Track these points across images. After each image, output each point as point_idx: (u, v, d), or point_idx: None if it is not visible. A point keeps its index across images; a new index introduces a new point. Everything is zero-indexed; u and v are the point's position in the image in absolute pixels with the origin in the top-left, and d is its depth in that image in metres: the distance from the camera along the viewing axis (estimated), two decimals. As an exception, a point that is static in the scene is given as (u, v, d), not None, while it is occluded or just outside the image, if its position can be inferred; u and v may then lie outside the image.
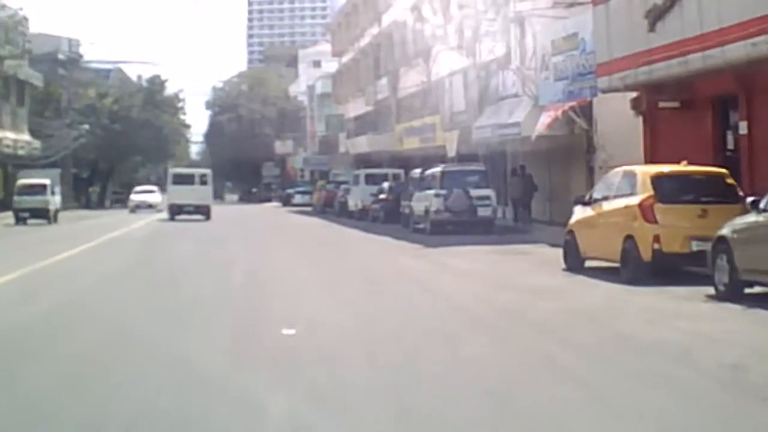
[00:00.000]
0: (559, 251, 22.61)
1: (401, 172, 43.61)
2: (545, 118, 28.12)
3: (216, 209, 49.15)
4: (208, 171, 50.52)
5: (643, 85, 23.76)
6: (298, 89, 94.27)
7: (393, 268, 18.87)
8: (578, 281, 16.39)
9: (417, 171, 36.08)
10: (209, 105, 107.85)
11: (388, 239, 28.77)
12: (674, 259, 15.68)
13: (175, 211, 45.37)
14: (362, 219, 43.10)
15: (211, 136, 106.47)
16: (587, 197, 18.08)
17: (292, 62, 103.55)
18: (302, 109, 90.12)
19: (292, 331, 10.64)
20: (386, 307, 13.13)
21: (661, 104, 23.97)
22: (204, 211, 44.83)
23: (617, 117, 29.12)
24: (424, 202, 31.49)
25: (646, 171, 16.69)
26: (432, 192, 30.87)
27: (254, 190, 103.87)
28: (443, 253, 23.01)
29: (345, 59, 67.40)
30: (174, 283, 16.86)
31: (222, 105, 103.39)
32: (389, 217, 38.65)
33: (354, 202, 45.95)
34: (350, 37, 64.74)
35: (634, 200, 16.06)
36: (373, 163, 54.47)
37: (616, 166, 30.31)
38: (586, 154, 29.90)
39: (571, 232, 18.40)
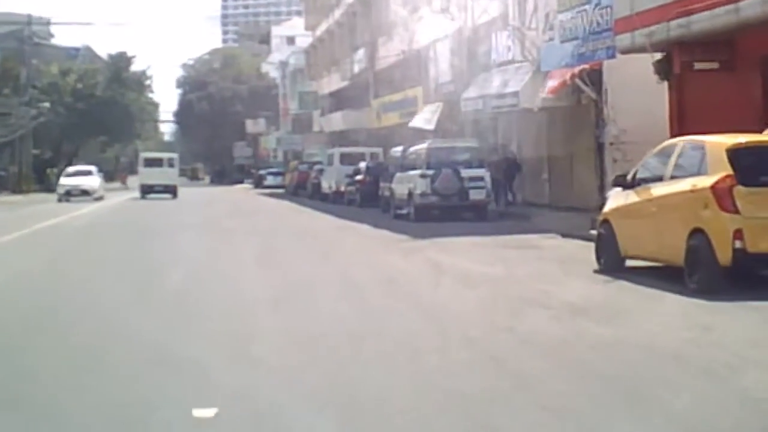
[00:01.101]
0: (577, 244, 18.33)
1: (380, 150, 39.11)
2: (552, 83, 23.63)
3: (183, 191, 51.97)
4: (175, 155, 54.51)
5: (676, 43, 19.32)
6: (271, 66, 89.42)
7: (376, 273, 14.20)
8: (627, 291, 11.92)
9: (398, 149, 31.56)
10: (180, 83, 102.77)
11: (367, 228, 24.25)
12: (764, 261, 11.30)
13: (146, 190, 49.60)
14: (337, 202, 38.74)
15: (181, 115, 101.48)
16: (629, 177, 13.59)
17: (265, 39, 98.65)
18: (275, 87, 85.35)
19: (209, 412, 6.12)
20: (374, 357, 8.20)
21: (697, 65, 19.52)
22: (171, 190, 49.10)
23: (631, 85, 24.74)
24: (407, 183, 27.01)
25: (717, 142, 12.18)
26: (416, 172, 26.39)
27: (216, 168, 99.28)
28: (435, 246, 18.52)
29: (319, 32, 62.60)
30: (68, 302, 12.30)
31: (192, 83, 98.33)
32: (367, 201, 34.28)
33: (328, 183, 41.47)
34: (325, 8, 59.98)
35: (705, 182, 11.59)
36: (350, 141, 49.94)
37: (629, 143, 26.11)
38: (595, 128, 25.48)
39: (606, 222, 13.95)
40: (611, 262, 13.63)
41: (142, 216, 32.22)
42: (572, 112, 26.43)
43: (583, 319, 9.81)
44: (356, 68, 49.48)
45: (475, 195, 25.95)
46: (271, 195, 54.37)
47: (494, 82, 28.72)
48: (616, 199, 13.87)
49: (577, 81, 24.67)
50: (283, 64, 76.33)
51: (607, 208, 14.15)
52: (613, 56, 21.68)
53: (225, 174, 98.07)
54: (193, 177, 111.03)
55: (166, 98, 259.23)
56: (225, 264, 15.66)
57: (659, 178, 12.77)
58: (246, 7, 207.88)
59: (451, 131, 32.13)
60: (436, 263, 15.28)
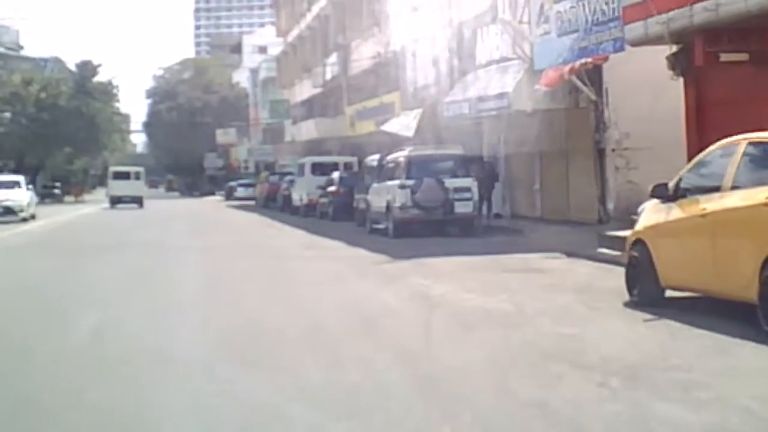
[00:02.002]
0: (588, 266, 15.35)
1: (354, 160, 36.08)
2: (548, 78, 20.67)
3: (152, 204, 54.65)
4: (141, 169, 59.01)
5: (700, 31, 16.40)
6: (242, 76, 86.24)
7: (348, 312, 10.93)
8: (685, 337, 8.88)
9: (374, 157, 28.55)
10: (149, 94, 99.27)
11: (340, 245, 21.22)
12: None
13: (115, 200, 54.37)
14: (308, 215, 35.74)
15: (150, 126, 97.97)
16: (672, 186, 10.61)
17: (237, 49, 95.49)
18: (246, 96, 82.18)
19: None
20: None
21: (724, 57, 16.58)
22: (138, 201, 53.50)
23: (634, 84, 21.97)
24: (384, 195, 23.98)
25: (794, 141, 9.25)
26: (395, 183, 23.37)
27: (188, 180, 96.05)
28: (419, 269, 15.48)
29: (290, 38, 59.46)
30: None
31: (161, 93, 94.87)
32: (340, 214, 31.34)
33: (299, 195, 38.37)
34: (296, 13, 56.89)
35: (784, 193, 8.66)
36: (324, 151, 46.90)
37: (633, 148, 23.21)
38: (595, 133, 22.60)
39: (640, 244, 10.95)
40: (647, 293, 10.64)
41: (91, 232, 29.03)
42: (569, 115, 23.51)
43: (645, 389, 6.77)
44: (329, 74, 46.41)
45: (461, 208, 22.96)
46: (240, 207, 51.44)
47: (481, 84, 25.76)
48: (654, 213, 10.88)
49: (575, 80, 21.75)
50: (254, 73, 73.21)
51: (640, 226, 11.15)
52: (621, 49, 18.76)
53: (196, 186, 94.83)
54: (169, 189, 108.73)
55: (138, 110, 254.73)
56: (150, 304, 12.04)
57: (715, 188, 9.78)
58: (219, 18, 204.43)
59: (432, 139, 29.11)
60: (423, 294, 12.22)
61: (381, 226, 24.26)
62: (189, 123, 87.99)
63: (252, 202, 55.01)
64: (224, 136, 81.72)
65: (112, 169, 60.60)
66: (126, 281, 14.77)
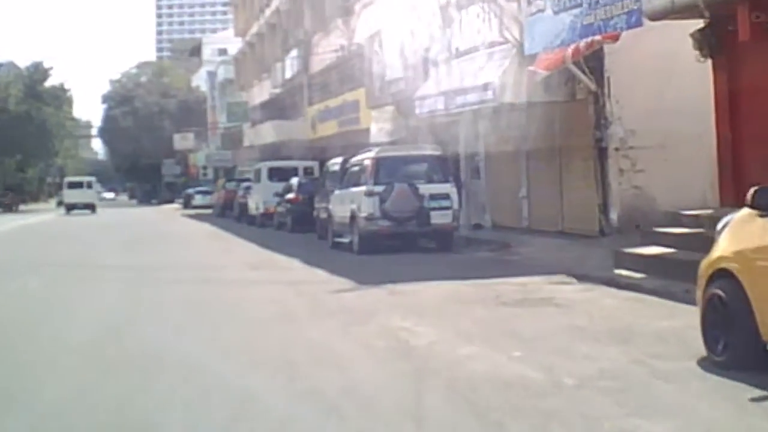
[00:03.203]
0: (612, 294, 11.74)
1: (315, 164, 32.35)
2: (548, 60, 17.03)
3: (105, 212, 57.58)
4: (93, 178, 65.26)
5: (743, -3, 12.89)
6: (201, 79, 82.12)
7: (294, 388, 7.03)
8: None
9: (337, 160, 24.86)
10: (105, 98, 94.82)
11: (295, 264, 17.50)
12: None
13: (70, 207, 58.87)
14: (265, 225, 32.07)
15: (105, 131, 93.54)
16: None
17: (196, 52, 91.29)
18: (205, 100, 78.06)
19: None
20: None
21: (774, 28, 13.08)
22: (91, 207, 58.59)
23: (642, 72, 18.53)
24: (348, 204, 20.29)
25: None
26: (361, 189, 19.69)
27: (146, 188, 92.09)
28: (394, 302, 11.76)
29: (249, 36, 55.54)
30: None
31: (117, 98, 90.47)
32: (299, 224, 27.74)
33: (255, 203, 34.58)
34: (255, 9, 52.99)
35: None
36: (284, 156, 42.98)
37: (640, 147, 19.61)
38: (594, 130, 18.98)
39: (726, 276, 7.31)
40: (740, 349, 7.04)
41: (12, 246, 25.09)
42: (563, 109, 19.90)
43: None
44: (288, 73, 42.59)
45: (439, 218, 19.30)
46: (196, 216, 47.65)
47: (459, 75, 22.10)
48: (747, 232, 7.26)
49: (572, 67, 18.16)
50: (212, 75, 69.17)
51: (725, 250, 7.51)
52: (637, 24, 15.15)
53: (155, 193, 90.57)
54: (132, 196, 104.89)
55: (99, 116, 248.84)
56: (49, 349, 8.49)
57: None
58: (181, 23, 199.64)
59: (403, 139, 25.46)
60: (403, 348, 8.52)
61: (344, 240, 20.56)
62: (146, 128, 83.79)
63: (210, 211, 51.32)
64: (182, 141, 77.51)
65: (67, 179, 65.98)
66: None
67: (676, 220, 14.67)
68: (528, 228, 22.08)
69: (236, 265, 17.49)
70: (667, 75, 18.49)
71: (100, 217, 51.34)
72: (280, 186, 30.89)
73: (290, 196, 29.24)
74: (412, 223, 19.20)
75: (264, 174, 33.31)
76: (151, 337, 9.52)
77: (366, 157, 20.34)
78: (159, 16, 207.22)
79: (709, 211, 14.60)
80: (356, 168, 20.87)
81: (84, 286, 14.69)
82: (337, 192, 21.69)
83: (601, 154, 18.90)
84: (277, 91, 46.33)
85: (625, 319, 9.68)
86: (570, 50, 16.29)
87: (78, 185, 61.28)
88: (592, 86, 18.73)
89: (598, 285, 12.60)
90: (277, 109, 48.03)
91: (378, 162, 19.62)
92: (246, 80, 57.16)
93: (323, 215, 23.60)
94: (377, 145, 24.07)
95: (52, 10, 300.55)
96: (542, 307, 10.84)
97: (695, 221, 14.16)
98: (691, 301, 10.57)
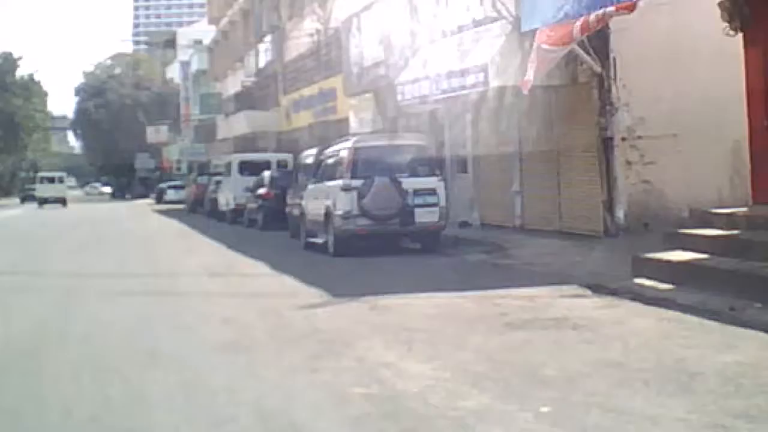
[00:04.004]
0: (641, 311, 9.52)
1: (289, 157, 30.08)
2: (556, 35, 14.76)
3: (77, 207, 57.52)
4: (64, 174, 68.66)
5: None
6: (176, 71, 79.47)
7: None
8: None
9: (311, 151, 22.64)
10: (78, 91, 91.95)
11: (262, 269, 15.21)
12: None
13: (42, 201, 60.78)
14: (236, 222, 29.81)
15: (77, 124, 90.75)
16: None
17: (171, 43, 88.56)
18: (180, 92, 75.45)
19: None
20: None
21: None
22: (62, 201, 60.88)
23: (653, 51, 16.44)
24: (323, 200, 18.02)
25: None
26: (337, 183, 17.44)
27: (120, 182, 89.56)
28: (377, 321, 9.52)
29: (222, 24, 53.08)
30: None
31: (90, 90, 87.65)
32: (271, 221, 25.58)
33: (225, 199, 32.27)
34: (228, -3, 50.59)
35: None
36: (258, 149, 40.69)
37: (649, 137, 17.39)
38: (599, 117, 16.78)
39: None
40: None
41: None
42: (563, 94, 17.73)
43: None
44: (262, 61, 40.25)
45: (425, 216, 17.06)
46: (168, 212, 45.25)
47: (446, 57, 19.83)
48: None
49: (575, 47, 15.94)
50: (185, 65, 66.63)
51: None
52: (656, -10, 12.95)
53: (129, 188, 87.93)
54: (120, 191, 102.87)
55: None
56: None
57: None
58: (158, 16, 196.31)
59: (383, 129, 23.23)
60: (388, 397, 6.27)
61: (318, 241, 18.29)
62: (119, 121, 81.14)
63: (182, 206, 48.99)
64: (155, 134, 74.89)
65: (39, 174, 68.85)
66: None
67: (704, 219, 12.50)
68: (521, 227, 19.89)
69: (194, 272, 15.16)
70: (681, 55, 16.37)
71: (69, 213, 49.30)
72: (251, 180, 28.66)
73: (262, 191, 27.02)
74: (394, 222, 16.95)
75: (235, 168, 31.01)
76: (46, 379, 7.23)
77: (343, 147, 18.07)
78: (136, 8, 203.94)
79: (744, 209, 12.47)
80: (332, 160, 18.61)
81: (7, 298, 12.36)
82: (310, 186, 19.44)
83: (606, 144, 16.69)
84: (251, 80, 43.97)
85: (671, 350, 7.48)
86: (578, 24, 14.03)
87: (50, 180, 64.25)
88: (597, 68, 16.56)
89: (620, 299, 10.41)
90: (251, 99, 45.66)
91: (356, 152, 17.35)
92: (220, 70, 54.76)
93: (296, 212, 21.35)
94: (358, 135, 21.82)
95: (31, 2, 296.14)
96: (559, 330, 8.64)
97: (728, 221, 12.02)
98: (743, 323, 8.47)
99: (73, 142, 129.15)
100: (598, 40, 16.35)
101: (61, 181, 64.44)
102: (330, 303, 10.95)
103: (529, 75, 14.84)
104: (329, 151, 19.18)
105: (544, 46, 14.62)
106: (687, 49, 16.29)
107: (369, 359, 7.54)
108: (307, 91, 33.00)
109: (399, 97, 21.92)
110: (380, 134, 21.06)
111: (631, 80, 16.43)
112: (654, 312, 9.43)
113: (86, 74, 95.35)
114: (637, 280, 11.47)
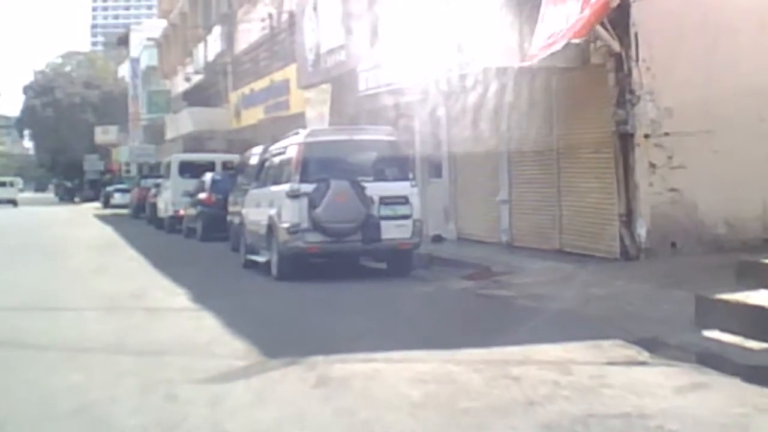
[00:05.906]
0: (744, 397, 5.53)
1: (236, 157, 26.16)
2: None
3: (20, 210, 55.70)
4: (17, 178, 75.52)
5: None
6: (127, 70, 75.08)
7: None
8: None
9: (257, 149, 18.80)
10: (26, 89, 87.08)
11: (178, 303, 11.22)
12: None
13: None
14: (174, 231, 25.89)
15: (23, 123, 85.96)
16: None
17: (125, 41, 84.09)
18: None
19: None
20: None
21: None
22: (13, 202, 63.97)
23: (683, 28, 12.85)
24: (266, 208, 14.12)
25: None
26: (283, 188, 13.52)
27: (68, 184, 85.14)
28: (327, 409, 5.68)
29: (172, 17, 48.95)
30: None
31: (38, 88, 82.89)
32: (211, 231, 21.75)
33: (164, 204, 28.27)
34: (179, -13, 46.47)
35: None
36: (207, 149, 36.65)
37: (678, 134, 13.15)
38: (616, 108, 13.03)
39: None
40: None
41: None
42: (570, 79, 14.01)
43: None
44: (211, 54, 36.24)
45: (394, 231, 13.20)
46: (109, 217, 41.31)
47: (418, 39, 16.01)
48: None
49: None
50: (135, 62, 62.36)
51: None
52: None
53: (77, 191, 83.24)
54: (56, 194, 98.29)
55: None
56: None
57: None
58: (116, 17, 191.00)
59: (342, 122, 19.43)
60: None
61: (260, 259, 14.38)
62: (68, 121, 76.52)
63: (127, 210, 45.07)
64: (104, 135, 70.40)
65: None
66: None
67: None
68: (509, 243, 16.15)
69: (86, 304, 11.12)
70: (718, 31, 12.80)
71: (7, 216, 45.40)
72: (192, 184, 24.74)
73: (202, 196, 23.12)
74: (354, 238, 13.07)
75: (174, 169, 27.01)
76: None
77: (291, 143, 14.17)
78: (94, 9, 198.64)
79: None
80: (277, 159, 14.71)
81: None
82: (251, 191, 15.56)
83: (624, 142, 12.99)
84: (200, 76, 39.91)
85: None
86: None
87: (2, 184, 69.50)
88: (615, 46, 12.85)
89: (699, 369, 6.65)
90: (200, 96, 41.63)
91: (307, 149, 13.43)
92: (169, 66, 50.62)
93: (236, 221, 17.48)
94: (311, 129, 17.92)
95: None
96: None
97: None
98: None
99: (28, 143, 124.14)
100: (617, 11, 12.66)
101: (12, 184, 70.88)
102: (257, 370, 7.07)
103: (540, 45, 11.10)
104: (275, 148, 15.27)
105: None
106: (726, 25, 12.78)
107: None
108: (257, 85, 29.09)
109: (362, 86, 18.08)
110: (339, 127, 17.22)
111: (657, 62, 12.79)
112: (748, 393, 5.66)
113: (36, 73, 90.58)
114: (708, 333, 7.74)
